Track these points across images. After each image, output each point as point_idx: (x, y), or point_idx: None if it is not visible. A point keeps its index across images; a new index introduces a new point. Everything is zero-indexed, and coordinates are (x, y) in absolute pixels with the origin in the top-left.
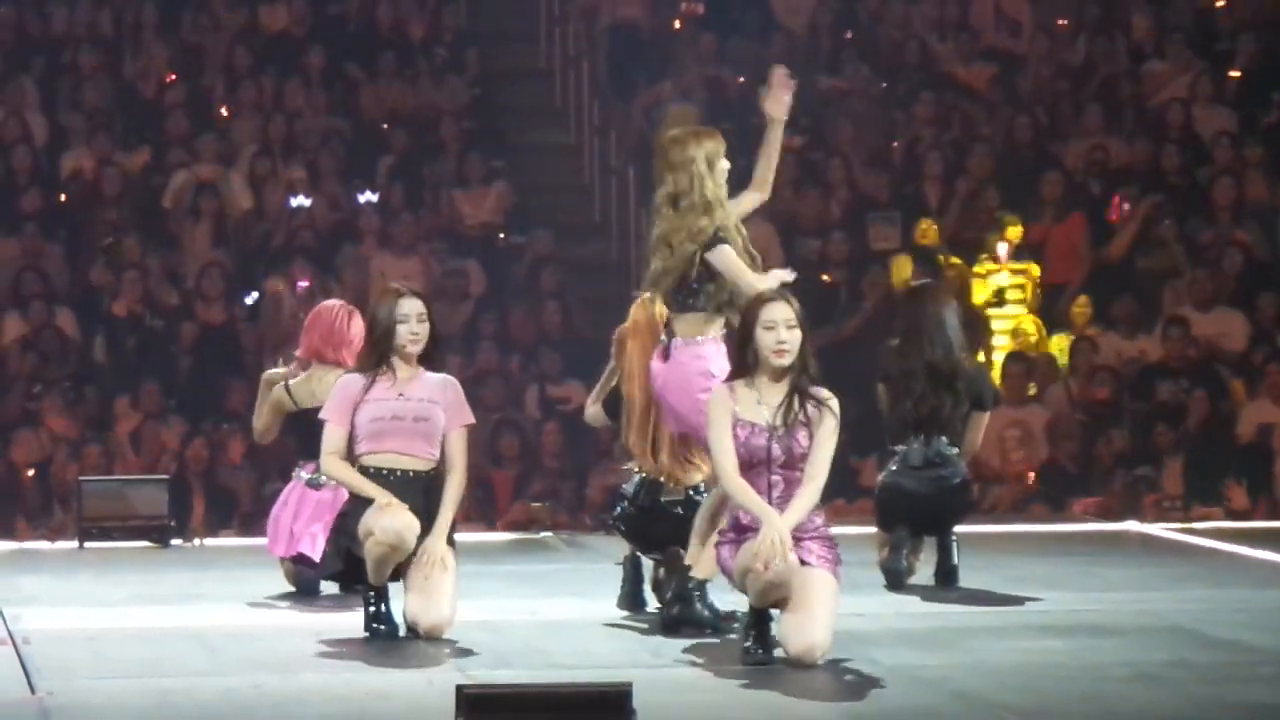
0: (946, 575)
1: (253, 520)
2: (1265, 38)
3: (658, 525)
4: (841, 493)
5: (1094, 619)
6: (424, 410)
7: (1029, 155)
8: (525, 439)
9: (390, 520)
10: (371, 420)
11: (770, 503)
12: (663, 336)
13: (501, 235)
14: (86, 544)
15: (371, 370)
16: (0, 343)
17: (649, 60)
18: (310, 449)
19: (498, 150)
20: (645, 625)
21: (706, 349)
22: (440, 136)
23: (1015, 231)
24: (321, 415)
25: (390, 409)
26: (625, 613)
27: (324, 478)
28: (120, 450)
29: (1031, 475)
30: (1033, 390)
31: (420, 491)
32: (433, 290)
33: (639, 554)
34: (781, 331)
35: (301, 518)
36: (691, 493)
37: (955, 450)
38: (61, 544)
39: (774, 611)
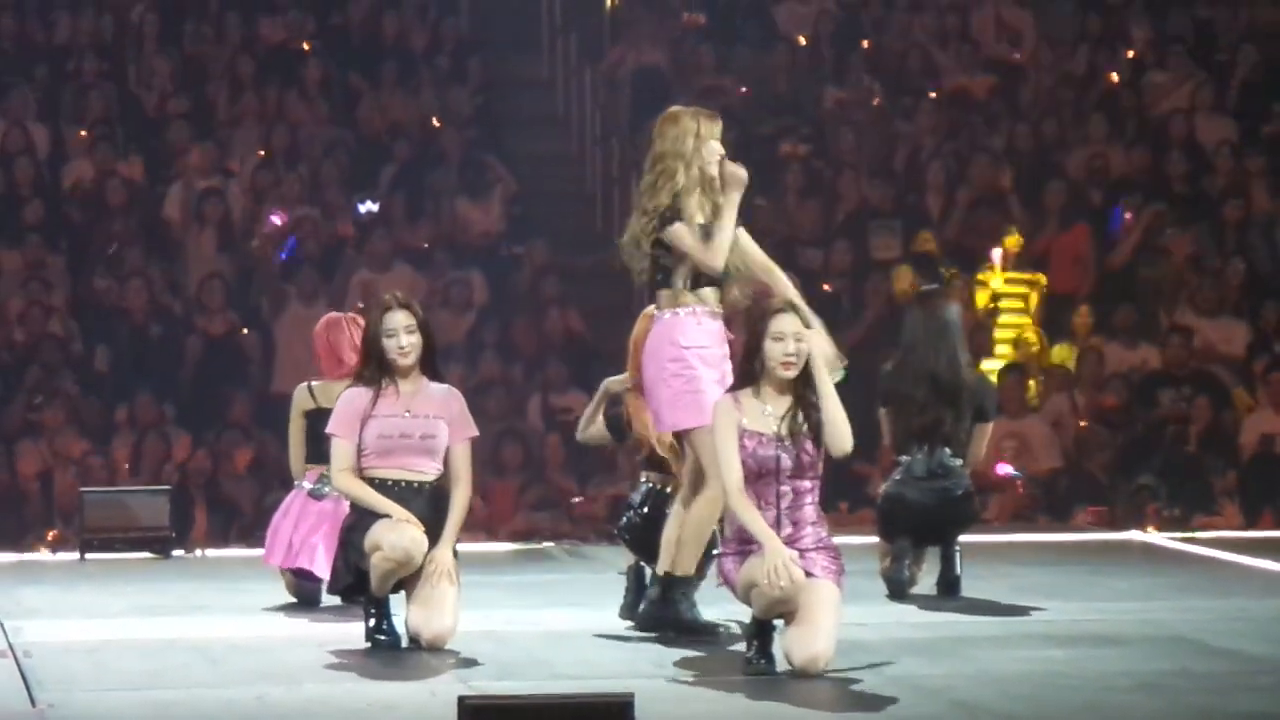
0: (949, 585)
1: (254, 531)
2: (1266, 48)
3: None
4: (847, 499)
5: (1096, 628)
6: (430, 428)
7: (1031, 165)
8: (528, 449)
9: (398, 537)
10: (379, 438)
11: (779, 513)
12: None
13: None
14: (88, 555)
15: (374, 383)
16: (2, 353)
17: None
18: (317, 452)
19: (500, 160)
20: (648, 636)
21: (682, 321)
22: (442, 146)
23: (1013, 241)
24: (329, 430)
25: (398, 427)
26: (628, 623)
27: (327, 488)
28: (121, 461)
29: (1020, 486)
30: (1034, 401)
31: (426, 501)
32: (435, 300)
33: (642, 564)
34: (790, 344)
35: (301, 528)
36: None
37: (959, 461)
38: (63, 555)
39: (777, 622)
